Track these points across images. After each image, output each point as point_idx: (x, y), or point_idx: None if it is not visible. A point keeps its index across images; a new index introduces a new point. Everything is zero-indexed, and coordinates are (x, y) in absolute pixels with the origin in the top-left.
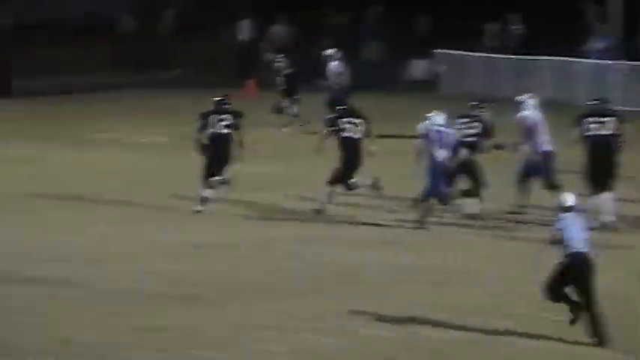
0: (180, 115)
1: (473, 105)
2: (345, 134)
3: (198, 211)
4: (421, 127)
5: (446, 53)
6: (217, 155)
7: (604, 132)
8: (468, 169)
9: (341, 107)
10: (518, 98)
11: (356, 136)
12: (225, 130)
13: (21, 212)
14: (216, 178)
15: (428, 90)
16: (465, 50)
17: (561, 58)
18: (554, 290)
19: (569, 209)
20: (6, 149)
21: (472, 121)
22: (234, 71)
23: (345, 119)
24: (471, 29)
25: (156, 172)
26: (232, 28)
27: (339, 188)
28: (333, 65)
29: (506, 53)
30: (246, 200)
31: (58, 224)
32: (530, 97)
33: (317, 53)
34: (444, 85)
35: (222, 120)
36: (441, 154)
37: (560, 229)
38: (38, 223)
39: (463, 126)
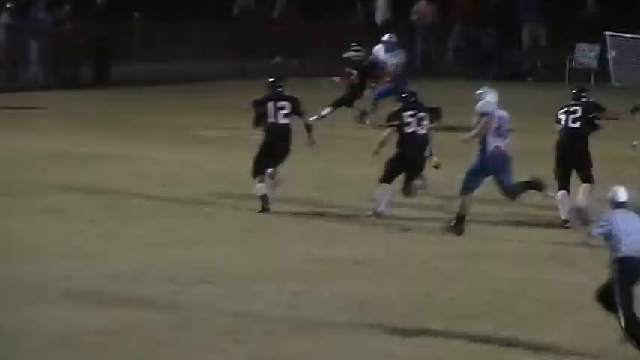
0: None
1: (574, 93)
2: (408, 129)
3: (262, 211)
4: (479, 106)
5: (617, 37)
6: (275, 149)
7: None
8: (580, 159)
9: (405, 97)
10: None
11: (421, 132)
12: (285, 120)
13: (120, 220)
14: (269, 170)
15: (595, 79)
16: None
17: None
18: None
19: (620, 205)
20: (102, 145)
21: (573, 106)
22: None
23: (408, 112)
24: None
25: None
26: (364, 7)
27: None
28: (385, 54)
29: None
30: (363, 208)
31: (161, 235)
32: None
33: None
34: (614, 74)
35: (280, 108)
36: (496, 143)
37: (605, 229)
38: (139, 233)
39: (563, 116)
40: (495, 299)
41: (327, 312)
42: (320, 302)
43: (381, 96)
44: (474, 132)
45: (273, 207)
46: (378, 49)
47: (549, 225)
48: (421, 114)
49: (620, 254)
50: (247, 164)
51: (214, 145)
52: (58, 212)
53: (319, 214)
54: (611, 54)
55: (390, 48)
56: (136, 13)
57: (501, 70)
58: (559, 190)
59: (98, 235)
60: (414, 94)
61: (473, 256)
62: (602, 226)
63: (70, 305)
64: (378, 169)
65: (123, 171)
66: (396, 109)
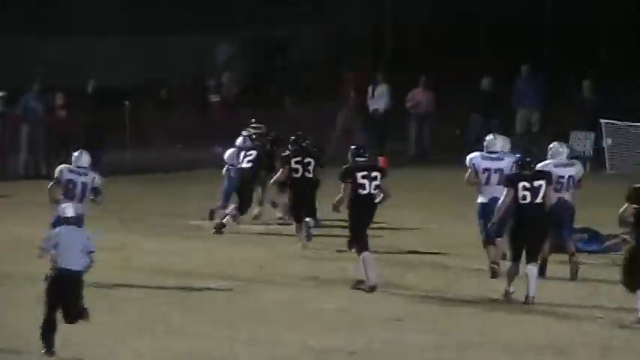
0: None
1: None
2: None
3: None
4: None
5: (614, 124)
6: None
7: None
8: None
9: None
10: None
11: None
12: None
13: (109, 309)
14: None
15: (591, 168)
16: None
17: None
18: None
19: (67, 220)
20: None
21: (373, 171)
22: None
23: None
24: None
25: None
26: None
27: None
28: None
29: None
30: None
31: (150, 324)
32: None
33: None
34: (609, 162)
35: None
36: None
37: (52, 242)
38: (127, 321)
39: (366, 182)
40: None
41: None
42: None
43: None
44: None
45: (268, 294)
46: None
47: (544, 312)
48: (307, 159)
49: (59, 265)
50: (239, 255)
51: (208, 235)
52: None
53: (314, 302)
54: (607, 142)
55: None
56: (126, 102)
57: None
58: (364, 250)
59: (87, 325)
60: (303, 139)
61: (468, 346)
62: (50, 240)
63: None
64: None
65: (113, 260)
66: (285, 154)
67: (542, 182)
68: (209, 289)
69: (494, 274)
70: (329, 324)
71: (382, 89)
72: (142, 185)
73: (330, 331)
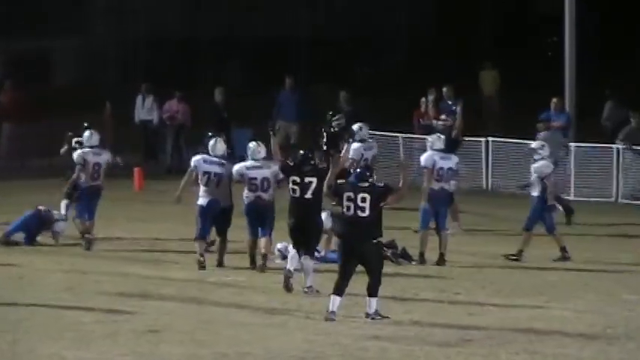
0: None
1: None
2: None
3: None
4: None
5: (380, 135)
6: None
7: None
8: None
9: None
10: None
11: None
12: None
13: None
14: None
15: None
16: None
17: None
18: None
19: None
20: None
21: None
22: None
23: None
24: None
25: None
26: None
27: None
28: None
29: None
30: None
31: None
32: None
33: None
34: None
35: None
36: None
37: None
38: None
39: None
40: None
41: None
42: None
43: None
44: None
45: (26, 304)
46: None
47: (301, 322)
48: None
49: None
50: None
51: None
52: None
53: (71, 314)
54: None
55: None
56: None
57: None
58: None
59: None
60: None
61: (225, 357)
62: None
63: None
64: None
65: None
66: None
67: (314, 179)
68: None
69: (200, 267)
70: (86, 335)
71: (150, 101)
72: None
73: (87, 342)
